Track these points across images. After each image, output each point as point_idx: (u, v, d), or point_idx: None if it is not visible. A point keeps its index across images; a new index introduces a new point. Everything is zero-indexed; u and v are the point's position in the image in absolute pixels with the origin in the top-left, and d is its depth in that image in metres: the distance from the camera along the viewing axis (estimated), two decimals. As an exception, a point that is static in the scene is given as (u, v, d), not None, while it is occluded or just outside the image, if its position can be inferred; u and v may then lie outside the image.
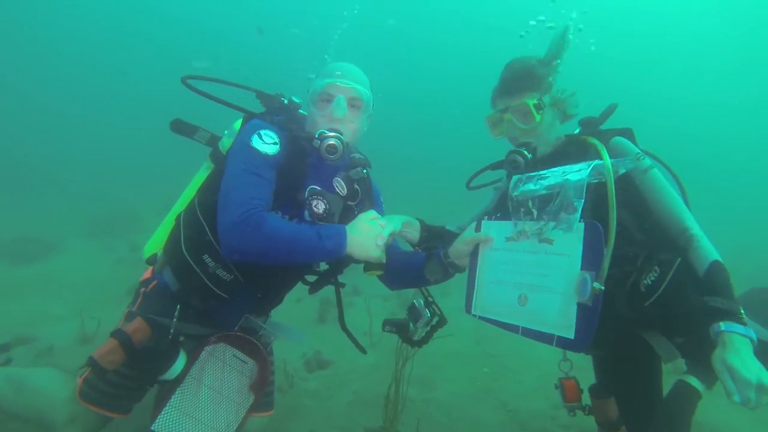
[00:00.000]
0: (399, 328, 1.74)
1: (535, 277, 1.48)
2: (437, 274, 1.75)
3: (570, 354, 1.65)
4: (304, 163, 1.74)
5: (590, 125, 1.81)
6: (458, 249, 1.69)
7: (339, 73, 1.75)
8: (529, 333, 1.47)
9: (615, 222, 1.34)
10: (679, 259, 1.61)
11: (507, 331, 1.55)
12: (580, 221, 1.37)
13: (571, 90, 1.80)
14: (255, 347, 1.85)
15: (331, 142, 1.66)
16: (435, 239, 1.82)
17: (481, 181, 2.06)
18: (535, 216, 1.49)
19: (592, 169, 1.39)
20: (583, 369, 2.03)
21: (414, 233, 1.80)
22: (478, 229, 1.69)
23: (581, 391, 1.69)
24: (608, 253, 1.30)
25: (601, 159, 1.49)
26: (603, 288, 1.27)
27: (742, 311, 1.35)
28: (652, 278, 1.63)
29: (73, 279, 4.98)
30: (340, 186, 1.74)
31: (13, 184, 8.55)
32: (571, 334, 1.34)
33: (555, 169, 1.49)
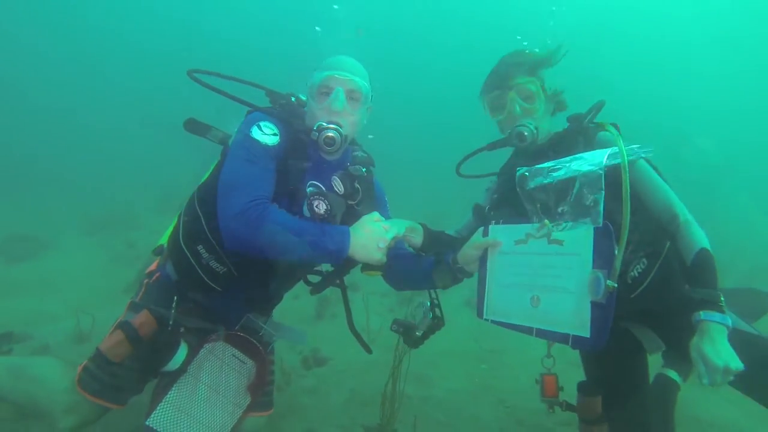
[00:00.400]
0: (406, 329, 1.75)
1: (546, 278, 1.48)
2: (446, 279, 1.76)
3: (557, 351, 1.68)
4: (303, 157, 1.74)
5: (578, 121, 1.83)
6: (467, 254, 1.69)
7: (337, 65, 1.75)
8: (543, 334, 1.49)
9: (628, 218, 1.34)
10: (666, 249, 1.64)
11: (521, 333, 1.55)
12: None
13: (561, 88, 1.85)
14: (255, 348, 1.84)
15: (330, 134, 1.66)
16: (438, 244, 1.82)
17: (472, 170, 2.06)
18: (553, 209, 1.49)
19: (607, 159, 1.38)
20: (574, 365, 2.03)
21: (417, 238, 1.79)
22: (485, 234, 1.69)
23: (560, 387, 1.72)
24: (621, 250, 1.31)
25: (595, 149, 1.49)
26: (616, 285, 1.29)
27: (722, 299, 1.43)
28: (639, 270, 1.66)
29: (68, 277, 4.96)
30: (338, 184, 1.74)
31: (9, 182, 8.51)
32: (586, 333, 1.35)
33: (563, 159, 1.49)
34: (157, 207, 8.01)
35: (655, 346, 1.72)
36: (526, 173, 1.54)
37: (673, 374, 2.36)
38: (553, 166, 1.48)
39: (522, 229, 1.58)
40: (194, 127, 1.86)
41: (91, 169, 10.40)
